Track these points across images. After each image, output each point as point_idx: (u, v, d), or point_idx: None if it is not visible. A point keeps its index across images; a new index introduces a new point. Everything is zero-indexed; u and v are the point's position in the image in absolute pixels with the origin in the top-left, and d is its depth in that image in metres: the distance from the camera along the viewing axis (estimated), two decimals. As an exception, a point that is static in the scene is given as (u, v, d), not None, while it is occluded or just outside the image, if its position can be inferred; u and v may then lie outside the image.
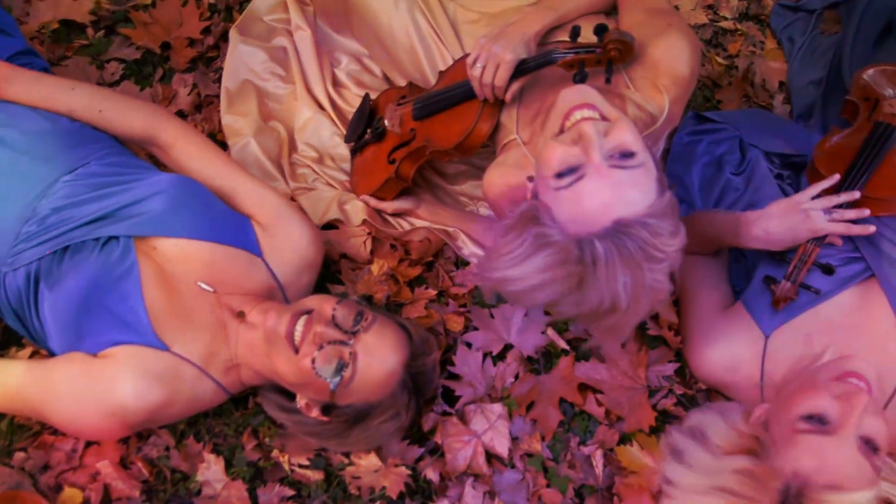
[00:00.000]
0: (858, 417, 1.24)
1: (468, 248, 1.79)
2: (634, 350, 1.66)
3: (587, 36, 1.44)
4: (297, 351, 1.37)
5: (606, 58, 1.43)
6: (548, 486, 1.55)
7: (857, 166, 1.59)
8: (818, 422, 1.26)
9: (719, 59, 2.25)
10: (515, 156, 1.59)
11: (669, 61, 1.50)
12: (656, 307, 1.28)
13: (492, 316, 1.70)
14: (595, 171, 1.18)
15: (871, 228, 1.49)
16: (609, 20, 1.63)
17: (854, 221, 1.49)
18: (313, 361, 1.35)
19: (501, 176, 1.58)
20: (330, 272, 1.76)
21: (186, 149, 1.60)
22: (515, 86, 1.55)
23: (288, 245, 1.55)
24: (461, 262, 1.80)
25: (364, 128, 1.86)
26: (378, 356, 1.39)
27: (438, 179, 1.91)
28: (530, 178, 1.33)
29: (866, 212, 1.51)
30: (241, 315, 1.46)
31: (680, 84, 1.50)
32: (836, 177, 1.53)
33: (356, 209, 1.80)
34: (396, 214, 1.83)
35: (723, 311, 1.63)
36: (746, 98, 2.16)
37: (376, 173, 1.79)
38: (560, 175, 1.21)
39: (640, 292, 1.21)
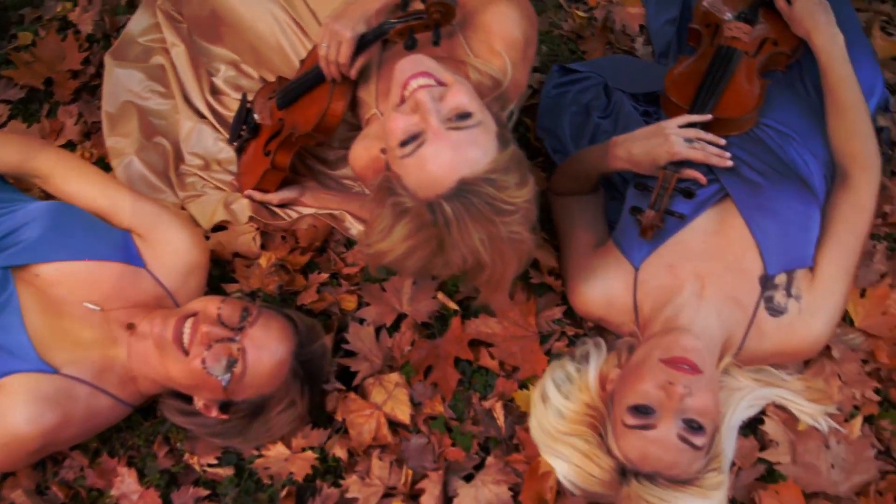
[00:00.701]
0: (677, 409, 1.31)
1: (356, 228, 1.83)
2: (523, 300, 1.70)
3: (417, 4, 1.47)
4: (186, 353, 1.41)
5: (432, 22, 1.46)
6: (452, 444, 1.59)
7: (704, 90, 1.61)
8: (644, 413, 1.33)
9: (580, 13, 2.29)
10: (376, 128, 1.64)
11: (500, 26, 1.53)
12: (525, 258, 1.32)
13: (383, 289, 1.74)
14: (434, 135, 1.22)
15: (729, 162, 1.52)
16: None
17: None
18: (203, 361, 1.39)
19: (364, 148, 1.63)
20: (225, 272, 1.80)
21: (64, 174, 1.64)
22: (360, 61, 1.58)
23: (169, 252, 1.59)
24: (351, 243, 1.84)
25: (241, 126, 1.90)
26: (266, 348, 1.43)
27: (321, 166, 1.94)
28: (383, 151, 1.36)
29: (722, 141, 1.53)
30: (130, 327, 1.50)
31: (515, 47, 1.53)
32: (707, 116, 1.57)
33: (242, 207, 1.84)
34: (283, 205, 1.86)
35: (596, 248, 1.66)
36: (610, 45, 2.20)
37: (256, 168, 1.83)
38: (403, 143, 1.25)
39: (499, 246, 1.25)
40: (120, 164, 1.89)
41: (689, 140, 1.49)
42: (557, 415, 1.44)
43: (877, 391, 1.55)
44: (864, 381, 1.55)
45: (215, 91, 2.03)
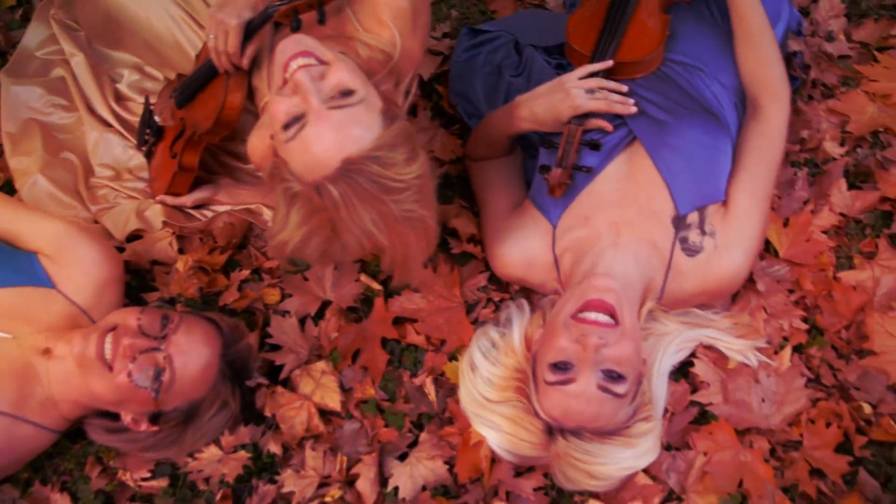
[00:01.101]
0: (594, 361, 1.29)
1: (273, 219, 1.79)
2: (447, 271, 1.67)
3: None
4: (111, 369, 1.38)
5: (316, 1, 1.41)
6: (385, 426, 1.56)
7: (605, 35, 1.57)
8: (563, 369, 1.31)
9: None
10: (270, 116, 1.59)
11: None
12: (429, 237, 1.30)
13: (305, 279, 1.71)
14: (315, 115, 1.19)
15: (633, 108, 1.49)
16: None
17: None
18: (130, 374, 1.37)
19: (260, 138, 1.59)
20: (144, 281, 1.76)
21: None
22: (250, 49, 1.53)
23: (78, 269, 1.55)
24: (270, 236, 1.80)
25: (146, 129, 1.86)
26: (192, 353, 1.41)
27: (234, 161, 1.89)
28: (272, 137, 1.32)
29: (624, 87, 1.50)
30: (46, 352, 1.47)
31: (402, 16, 1.47)
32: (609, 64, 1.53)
33: (156, 213, 1.80)
34: (199, 206, 1.83)
35: (513, 209, 1.62)
36: (520, 0, 2.13)
37: (166, 171, 1.79)
38: (286, 126, 1.22)
39: (394, 226, 1.22)
40: (25, 185, 1.84)
41: (590, 91, 1.45)
42: (486, 383, 1.42)
43: (804, 320, 1.53)
44: (790, 311, 1.52)
45: (120, 98, 1.97)
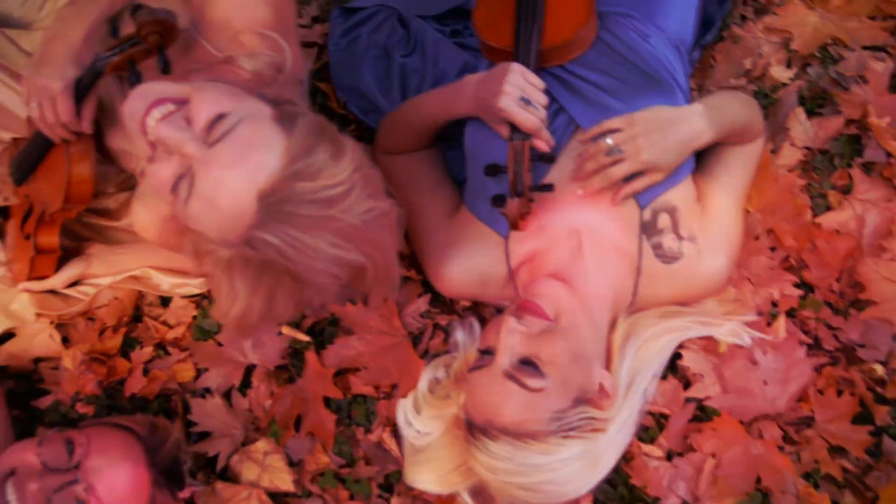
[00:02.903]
0: (510, 347, 1.13)
1: (165, 282, 1.51)
2: (379, 301, 1.43)
3: (129, 25, 1.13)
4: None
5: (153, 46, 1.11)
6: (351, 497, 1.35)
7: (522, 21, 1.31)
8: (484, 354, 1.17)
9: None
10: (153, 180, 1.30)
11: (240, 12, 1.19)
12: (399, 226, 1.08)
13: (218, 344, 1.45)
14: (200, 162, 0.95)
15: (548, 144, 1.24)
16: None
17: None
18: None
19: (149, 211, 1.30)
20: (31, 385, 1.48)
21: None
22: (87, 110, 1.24)
23: None
24: (166, 301, 1.53)
25: None
26: (115, 474, 1.19)
27: (102, 220, 1.60)
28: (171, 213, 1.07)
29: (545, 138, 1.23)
30: None
31: (269, 26, 1.19)
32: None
33: (24, 304, 1.50)
34: (72, 284, 1.54)
35: (450, 217, 1.39)
36: (390, -37, 1.83)
37: (22, 254, 1.49)
38: (175, 189, 0.98)
39: (360, 236, 0.99)
40: None
41: (525, 100, 1.20)
42: (429, 419, 1.27)
43: (795, 285, 1.36)
44: (777, 276, 1.34)
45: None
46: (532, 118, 1.21)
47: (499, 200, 1.23)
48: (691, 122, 1.24)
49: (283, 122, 0.99)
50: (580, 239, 1.28)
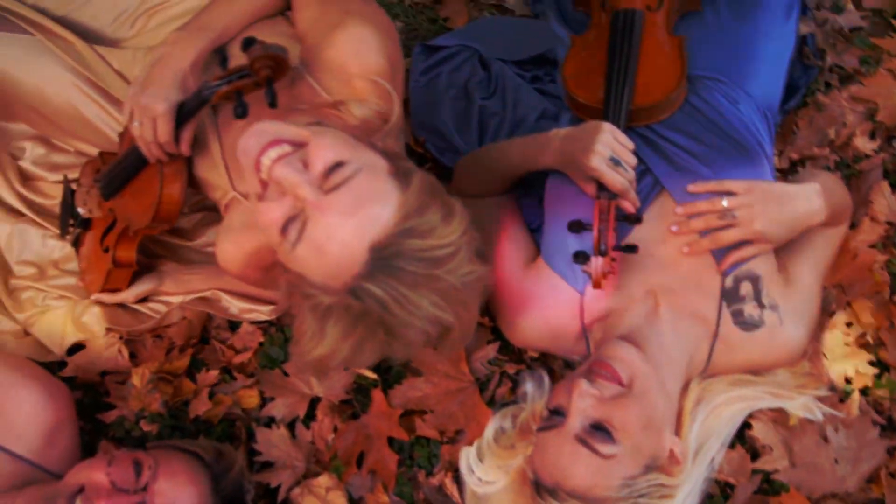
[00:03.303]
0: (582, 410, 1.13)
1: (234, 306, 1.53)
2: (451, 350, 1.44)
3: (237, 57, 1.14)
4: None
5: (262, 79, 1.13)
6: (410, 538, 1.36)
7: (613, 79, 1.32)
8: (554, 413, 1.17)
9: None
10: (241, 216, 1.33)
11: (356, 58, 1.22)
12: (487, 290, 1.11)
13: (285, 373, 1.47)
14: (315, 208, 0.96)
15: (634, 205, 1.25)
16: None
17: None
18: None
19: (235, 245, 1.32)
20: (98, 397, 1.50)
21: None
22: (187, 134, 1.28)
23: (20, 418, 1.28)
24: (235, 325, 1.54)
25: (69, 217, 1.56)
26: (180, 498, 1.19)
27: (177, 239, 1.62)
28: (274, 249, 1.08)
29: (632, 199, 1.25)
30: None
31: (383, 75, 1.22)
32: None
33: (96, 317, 1.52)
34: (143, 300, 1.55)
35: (525, 266, 1.39)
36: (474, 3, 1.85)
37: (98, 265, 1.51)
38: (284, 230, 0.98)
39: (457, 297, 1.01)
40: (-65, 306, 1.54)
41: (615, 161, 1.21)
42: (492, 469, 1.26)
43: (871, 363, 1.35)
44: (852, 352, 1.34)
45: (26, 177, 1.66)
46: (621, 179, 1.22)
47: (581, 257, 1.24)
48: (810, 200, 1.25)
49: (399, 177, 1.00)
50: (657, 301, 1.29)
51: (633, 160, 1.24)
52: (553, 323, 1.35)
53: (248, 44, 1.11)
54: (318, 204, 0.95)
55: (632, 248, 1.24)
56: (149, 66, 1.26)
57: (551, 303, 1.35)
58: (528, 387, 1.35)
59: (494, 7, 1.86)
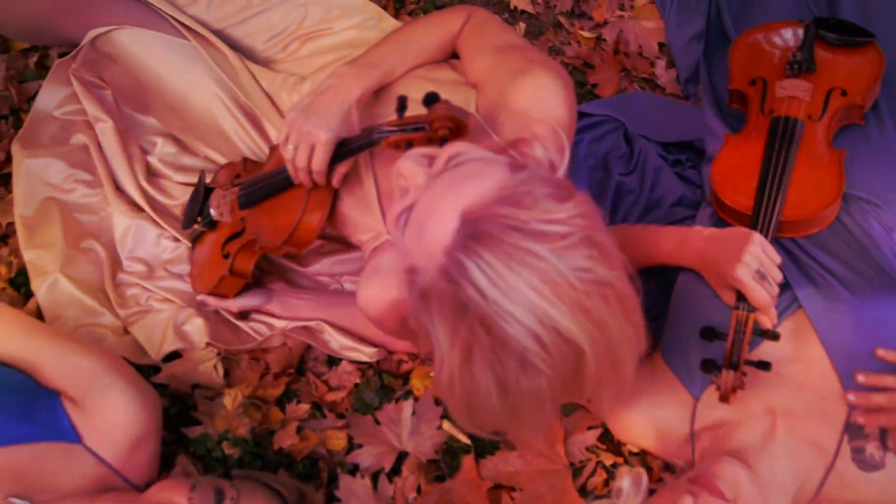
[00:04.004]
0: None
1: (337, 342, 1.51)
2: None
3: (416, 107, 1.14)
4: None
5: (437, 136, 1.11)
6: None
7: (766, 187, 1.27)
8: None
9: (585, 33, 1.89)
10: (392, 260, 1.25)
11: (540, 104, 1.19)
12: (633, 315, 0.88)
13: (377, 422, 1.44)
14: (422, 191, 0.89)
15: (772, 321, 1.20)
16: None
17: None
18: None
19: (381, 289, 1.27)
20: (185, 409, 1.49)
21: None
22: (342, 169, 1.27)
23: (110, 421, 1.27)
24: (333, 361, 1.52)
25: (197, 213, 1.56)
26: None
27: (290, 262, 1.61)
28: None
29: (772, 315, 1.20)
30: None
31: (563, 126, 1.19)
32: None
33: (197, 329, 1.51)
34: (244, 313, 1.55)
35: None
36: (625, 72, 1.82)
37: (212, 268, 1.51)
38: (398, 218, 0.91)
39: (573, 298, 0.80)
40: (43, 286, 1.55)
41: (761, 274, 1.17)
42: None
43: None
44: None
45: (151, 173, 1.68)
46: (765, 294, 1.17)
47: (710, 367, 1.19)
48: None
49: (514, 167, 0.90)
50: (775, 421, 1.23)
51: (779, 276, 1.19)
52: (661, 423, 1.30)
53: (432, 100, 1.10)
54: (425, 185, 0.89)
55: (765, 365, 1.19)
56: (313, 94, 1.26)
57: (663, 402, 1.30)
58: (626, 484, 1.30)
59: (645, 81, 1.83)
